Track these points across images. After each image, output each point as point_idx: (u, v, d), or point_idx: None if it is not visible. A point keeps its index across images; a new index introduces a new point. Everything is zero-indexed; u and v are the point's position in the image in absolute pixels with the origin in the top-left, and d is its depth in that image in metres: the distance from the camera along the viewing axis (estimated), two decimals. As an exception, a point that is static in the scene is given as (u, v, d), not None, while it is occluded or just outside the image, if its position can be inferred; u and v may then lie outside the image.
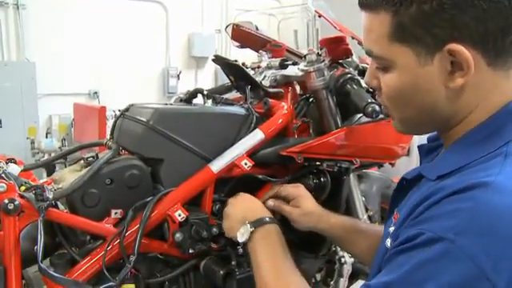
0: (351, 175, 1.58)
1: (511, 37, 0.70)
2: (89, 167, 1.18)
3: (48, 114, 5.31)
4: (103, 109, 4.19)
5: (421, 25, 0.70)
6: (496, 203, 0.63)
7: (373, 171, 1.93)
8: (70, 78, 5.35)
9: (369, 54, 0.80)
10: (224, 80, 1.68)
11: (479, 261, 0.60)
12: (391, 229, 0.82)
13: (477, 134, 0.75)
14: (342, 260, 1.65)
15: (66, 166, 1.43)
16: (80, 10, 5.39)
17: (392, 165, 1.63)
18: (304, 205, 1.26)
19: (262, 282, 0.98)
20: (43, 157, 4.71)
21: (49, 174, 1.66)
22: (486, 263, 0.60)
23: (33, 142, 4.75)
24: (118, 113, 1.39)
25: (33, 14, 5.09)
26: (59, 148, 4.79)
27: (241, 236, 1.09)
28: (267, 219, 1.11)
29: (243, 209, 1.18)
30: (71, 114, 5.13)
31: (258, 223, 1.10)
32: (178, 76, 6.42)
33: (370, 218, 1.73)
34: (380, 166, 1.71)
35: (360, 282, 1.76)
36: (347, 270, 1.68)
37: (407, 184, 0.86)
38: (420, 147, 0.95)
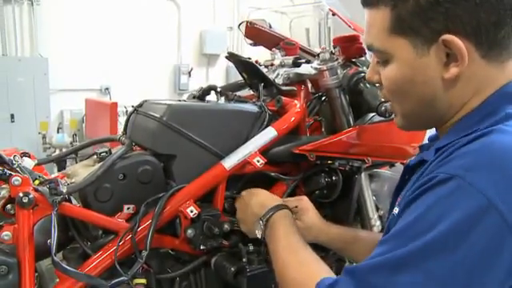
0: (363, 174, 1.57)
1: (503, 31, 0.73)
2: (102, 162, 1.19)
3: (60, 110, 5.34)
4: (115, 105, 4.18)
5: (418, 17, 0.74)
6: (502, 141, 0.68)
7: (384, 170, 1.92)
8: (82, 73, 5.37)
9: (370, 48, 0.84)
10: (236, 77, 1.68)
11: (488, 192, 0.64)
12: (396, 210, 0.82)
13: (471, 119, 0.78)
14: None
15: (76, 162, 1.44)
16: (93, 7, 5.41)
17: (404, 164, 1.62)
18: (305, 218, 1.25)
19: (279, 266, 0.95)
20: (54, 152, 4.75)
21: (59, 169, 1.66)
22: (495, 194, 0.64)
23: (44, 137, 4.79)
24: (129, 109, 1.39)
25: (46, 10, 5.13)
26: (70, 143, 4.81)
27: (258, 233, 1.11)
28: (274, 208, 1.10)
29: (253, 204, 1.18)
30: (83, 109, 5.15)
31: (265, 217, 1.10)
32: (190, 73, 6.42)
33: (380, 217, 1.72)
34: (392, 165, 1.70)
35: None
36: (357, 268, 1.67)
37: (411, 171, 0.88)
38: (421, 147, 0.96)
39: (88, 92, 5.38)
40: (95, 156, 1.30)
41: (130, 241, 1.15)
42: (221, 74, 6.92)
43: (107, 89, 5.67)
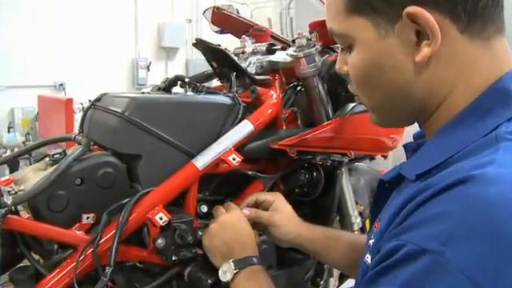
0: (343, 169, 1.48)
1: (483, 0, 0.60)
2: (55, 166, 1.04)
3: (10, 107, 5.11)
4: (70, 101, 4.00)
5: None
6: (491, 197, 0.51)
7: (360, 164, 1.85)
8: (34, 69, 5.15)
9: (331, 33, 0.72)
10: (195, 71, 1.56)
11: (475, 275, 0.49)
12: (371, 241, 0.70)
13: (459, 123, 0.63)
14: (334, 260, 1.56)
15: (30, 163, 1.28)
16: (44, -2, 5.18)
17: (385, 157, 1.56)
18: (284, 209, 1.16)
19: None
20: (5, 152, 4.57)
21: (11, 171, 1.49)
22: (483, 277, 0.49)
23: (-6, 137, 4.57)
24: (86, 105, 1.25)
25: (-9, 1, 4.86)
26: (23, 143, 4.67)
27: (223, 274, 0.99)
28: (254, 259, 1.01)
29: (231, 239, 1.05)
30: (35, 107, 4.93)
31: (243, 264, 0.99)
32: (148, 67, 6.34)
33: (361, 214, 1.64)
34: (372, 158, 1.62)
35: (350, 282, 1.68)
36: (337, 269, 1.60)
37: (388, 187, 0.75)
38: (406, 146, 0.82)
39: (41, 88, 5.17)
40: (47, 158, 1.15)
41: (92, 255, 1.01)
42: (180, 67, 6.83)
43: (62, 85, 5.48)
